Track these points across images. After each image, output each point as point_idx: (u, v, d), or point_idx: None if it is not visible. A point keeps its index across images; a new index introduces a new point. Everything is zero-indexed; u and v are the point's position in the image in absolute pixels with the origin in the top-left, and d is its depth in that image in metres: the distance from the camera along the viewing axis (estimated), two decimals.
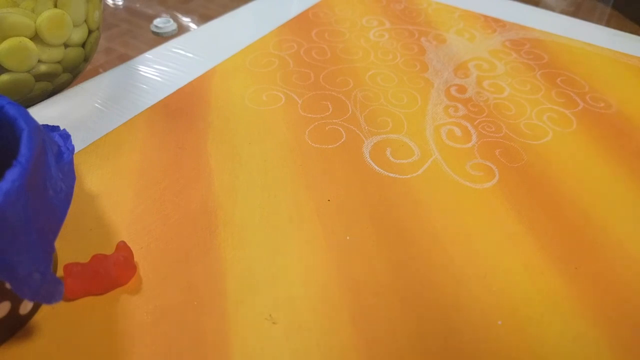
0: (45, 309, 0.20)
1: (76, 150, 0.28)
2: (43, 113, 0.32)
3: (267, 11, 0.47)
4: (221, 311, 0.20)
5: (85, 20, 0.33)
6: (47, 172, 0.18)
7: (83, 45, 0.34)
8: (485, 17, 0.47)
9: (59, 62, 0.32)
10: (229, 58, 0.38)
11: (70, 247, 0.22)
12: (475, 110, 0.33)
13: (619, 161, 0.30)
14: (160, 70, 0.37)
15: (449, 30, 0.44)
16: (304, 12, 0.47)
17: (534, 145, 0.30)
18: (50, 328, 0.19)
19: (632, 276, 0.23)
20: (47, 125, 0.22)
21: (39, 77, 0.31)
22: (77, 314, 0.20)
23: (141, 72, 0.36)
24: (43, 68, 0.31)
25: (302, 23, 0.44)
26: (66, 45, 0.32)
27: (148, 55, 0.39)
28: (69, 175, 0.20)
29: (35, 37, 0.29)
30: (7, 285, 0.17)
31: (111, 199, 0.25)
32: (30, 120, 0.18)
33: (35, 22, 0.29)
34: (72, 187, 0.20)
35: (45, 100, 0.33)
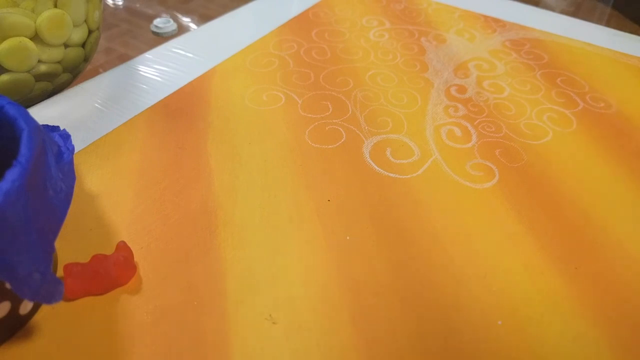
0: (45, 309, 0.20)
1: (76, 150, 0.28)
2: (43, 113, 0.32)
3: (267, 11, 0.47)
4: (221, 311, 0.20)
5: (85, 20, 0.33)
6: (47, 172, 0.18)
7: (83, 45, 0.34)
8: (485, 17, 0.47)
9: (59, 62, 0.32)
10: (229, 58, 0.38)
11: (70, 247, 0.22)
12: (475, 110, 0.33)
13: (619, 161, 0.30)
14: (160, 70, 0.37)
15: (449, 30, 0.44)
16: (304, 12, 0.47)
17: (534, 145, 0.30)
18: (50, 328, 0.19)
19: (632, 276, 0.23)
20: (47, 125, 0.22)
21: (39, 77, 0.31)
22: (77, 314, 0.20)
23: (141, 72, 0.36)
24: (43, 68, 0.31)
25: (302, 23, 0.44)
26: (66, 45, 0.32)
27: (148, 55, 0.39)
28: (69, 175, 0.20)
29: (35, 37, 0.29)
30: (7, 285, 0.17)
31: (111, 199, 0.25)
32: (30, 120, 0.18)
33: (35, 22, 0.29)
34: (72, 187, 0.20)
35: (45, 100, 0.33)
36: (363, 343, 0.19)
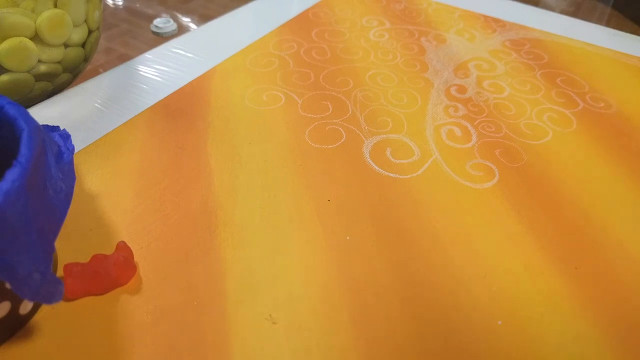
0: (45, 309, 0.20)
1: (76, 150, 0.28)
2: (43, 113, 0.32)
3: (267, 11, 0.47)
4: (221, 311, 0.20)
5: (85, 20, 0.33)
6: (47, 172, 0.18)
7: (83, 45, 0.34)
8: (485, 17, 0.47)
9: (59, 62, 0.32)
10: (229, 58, 0.38)
11: (70, 247, 0.22)
12: (475, 110, 0.33)
13: (619, 161, 0.30)
14: (160, 70, 0.37)
15: (449, 30, 0.44)
16: (304, 12, 0.47)
17: (534, 145, 0.30)
18: (50, 328, 0.19)
19: (632, 276, 0.23)
20: (47, 125, 0.22)
21: (39, 77, 0.31)
22: (77, 314, 0.20)
23: (141, 72, 0.36)
24: (43, 68, 0.31)
25: (302, 23, 0.44)
26: (66, 45, 0.32)
27: (148, 55, 0.39)
28: (69, 175, 0.20)
29: (35, 37, 0.29)
30: (7, 285, 0.17)
31: (111, 199, 0.25)
32: (30, 120, 0.18)
33: (35, 22, 0.29)
34: (72, 187, 0.20)
35: (45, 100, 0.33)
36: (363, 343, 0.19)
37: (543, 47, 0.42)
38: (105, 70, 0.37)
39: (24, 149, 0.17)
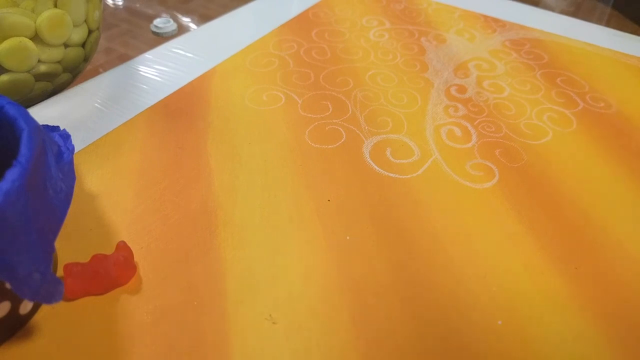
0: (45, 309, 0.20)
1: (76, 150, 0.28)
2: (43, 113, 0.32)
3: (267, 11, 0.47)
4: (221, 311, 0.20)
5: (85, 20, 0.33)
6: (47, 172, 0.18)
7: (83, 45, 0.34)
8: (485, 17, 0.47)
9: (59, 62, 0.32)
10: (229, 58, 0.38)
11: (70, 247, 0.22)
12: (475, 110, 0.33)
13: (619, 161, 0.30)
14: (160, 70, 0.37)
15: (449, 30, 0.44)
16: (304, 12, 0.47)
17: (534, 145, 0.30)
18: (50, 328, 0.19)
19: (632, 276, 0.23)
20: (47, 125, 0.22)
21: (39, 77, 0.31)
22: (77, 314, 0.20)
23: (141, 72, 0.36)
24: (43, 68, 0.31)
25: (302, 23, 0.44)
26: (66, 45, 0.32)
27: (148, 55, 0.39)
28: (69, 175, 0.20)
29: (35, 37, 0.29)
30: (7, 285, 0.17)
31: (111, 199, 0.25)
32: (30, 120, 0.18)
33: (35, 22, 0.29)
34: (72, 187, 0.20)
35: (45, 100, 0.33)
36: (363, 343, 0.19)
37: (543, 47, 0.42)
38: (105, 70, 0.37)
39: (24, 149, 0.17)
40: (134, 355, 0.18)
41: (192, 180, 0.26)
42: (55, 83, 0.33)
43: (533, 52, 0.41)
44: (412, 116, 0.32)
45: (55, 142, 0.21)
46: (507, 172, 0.28)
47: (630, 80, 0.38)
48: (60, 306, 0.20)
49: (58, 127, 0.22)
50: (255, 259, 0.22)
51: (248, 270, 0.22)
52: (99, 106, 0.32)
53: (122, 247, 0.21)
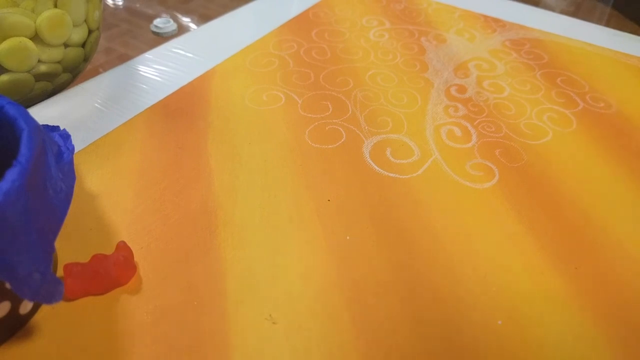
0: (45, 309, 0.20)
1: (76, 150, 0.28)
2: (43, 113, 0.32)
3: (267, 11, 0.47)
4: (221, 311, 0.20)
5: (85, 20, 0.33)
6: (47, 172, 0.18)
7: (83, 45, 0.34)
8: (485, 17, 0.47)
9: (59, 62, 0.32)
10: (229, 58, 0.38)
11: (70, 247, 0.22)
12: (475, 110, 0.33)
13: (619, 161, 0.30)
14: (160, 70, 0.37)
15: (449, 30, 0.44)
16: (304, 12, 0.47)
17: (534, 145, 0.30)
18: (50, 328, 0.19)
19: (632, 276, 0.23)
20: (47, 125, 0.22)
21: (39, 77, 0.31)
22: (77, 314, 0.20)
23: (141, 72, 0.36)
24: (43, 68, 0.31)
25: (302, 23, 0.44)
26: (66, 45, 0.32)
27: (148, 55, 0.39)
28: (69, 175, 0.20)
29: (35, 37, 0.29)
30: (7, 285, 0.17)
31: (111, 199, 0.25)
32: (30, 120, 0.18)
33: (35, 22, 0.29)
34: (72, 187, 0.20)
35: (45, 100, 0.33)
36: (363, 343, 0.19)
37: (543, 47, 0.42)
38: (105, 70, 0.37)
39: (24, 149, 0.17)
40: (134, 355, 0.18)
41: (192, 180, 0.26)
42: (55, 83, 0.33)
43: (533, 52, 0.41)
44: (412, 116, 0.32)
45: (55, 142, 0.21)
46: (507, 172, 0.28)
47: (630, 80, 0.38)
48: (60, 306, 0.20)
49: (58, 127, 0.22)
50: (255, 259, 0.22)
51: (248, 270, 0.22)
52: (99, 106, 0.32)
53: (122, 247, 0.21)
